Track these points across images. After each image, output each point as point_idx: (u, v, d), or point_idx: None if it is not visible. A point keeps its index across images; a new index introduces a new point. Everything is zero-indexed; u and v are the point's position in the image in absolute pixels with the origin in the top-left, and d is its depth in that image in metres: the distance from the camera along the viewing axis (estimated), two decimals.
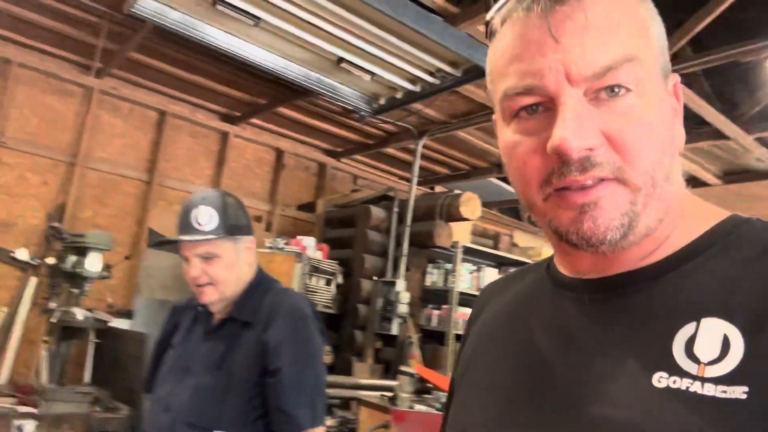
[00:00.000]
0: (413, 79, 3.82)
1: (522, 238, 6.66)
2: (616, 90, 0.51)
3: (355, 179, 6.31)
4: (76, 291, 3.11)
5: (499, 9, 0.56)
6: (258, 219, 5.43)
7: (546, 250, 5.52)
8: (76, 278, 3.11)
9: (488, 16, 0.57)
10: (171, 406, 1.45)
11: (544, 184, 0.53)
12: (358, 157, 6.05)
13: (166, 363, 1.58)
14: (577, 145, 0.49)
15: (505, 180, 5.70)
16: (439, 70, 3.66)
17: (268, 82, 4.50)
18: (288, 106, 4.88)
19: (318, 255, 4.32)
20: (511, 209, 7.51)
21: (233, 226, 1.51)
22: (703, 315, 0.49)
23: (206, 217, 1.49)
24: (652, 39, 0.54)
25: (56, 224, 3.05)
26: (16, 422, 2.61)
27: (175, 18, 3.26)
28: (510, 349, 0.64)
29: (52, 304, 3.06)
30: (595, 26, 0.50)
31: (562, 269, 0.63)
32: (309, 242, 4.26)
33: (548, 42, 0.51)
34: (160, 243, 1.69)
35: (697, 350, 0.48)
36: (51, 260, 3.12)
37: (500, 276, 0.85)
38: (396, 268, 4.72)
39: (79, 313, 3.00)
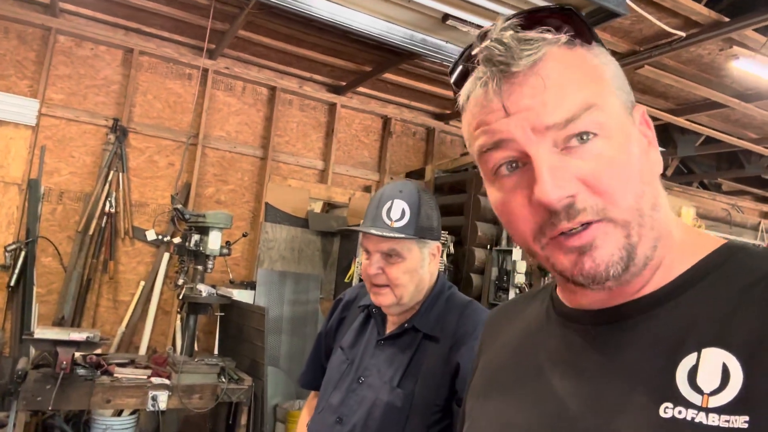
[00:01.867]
0: None
1: None
2: (584, 137, 0.54)
3: None
4: (200, 268, 3.27)
5: (462, 86, 0.61)
6: (367, 189, 5.40)
7: (684, 210, 4.94)
8: (200, 256, 3.26)
9: (456, 95, 0.62)
10: (345, 419, 1.36)
11: (538, 235, 0.56)
12: None
13: (335, 366, 1.47)
14: (557, 197, 0.53)
15: None
16: None
17: (372, 49, 4.37)
18: (393, 71, 4.73)
19: None
20: None
21: (424, 227, 1.37)
22: (703, 345, 0.51)
23: (398, 213, 1.36)
24: (608, 82, 0.57)
25: (179, 206, 3.19)
26: (151, 392, 2.82)
27: None
28: (521, 382, 0.66)
29: (180, 281, 3.24)
30: (551, 85, 0.54)
31: (565, 301, 0.65)
32: None
33: (509, 108, 0.55)
34: (347, 230, 1.59)
35: (700, 381, 0.50)
36: (176, 239, 3.29)
37: (504, 303, 0.86)
38: None
39: (204, 290, 3.15)
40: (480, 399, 0.72)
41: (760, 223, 6.28)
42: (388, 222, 1.34)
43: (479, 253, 4.49)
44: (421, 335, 1.35)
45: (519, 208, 0.57)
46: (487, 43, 0.56)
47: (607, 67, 0.58)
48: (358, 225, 1.44)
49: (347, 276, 4.32)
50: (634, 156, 0.56)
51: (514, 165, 0.56)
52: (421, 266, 1.37)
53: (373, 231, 1.33)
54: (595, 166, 0.54)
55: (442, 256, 4.34)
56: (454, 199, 5.02)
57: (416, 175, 5.65)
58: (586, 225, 0.54)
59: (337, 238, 4.88)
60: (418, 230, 1.35)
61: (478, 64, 0.57)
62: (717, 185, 7.71)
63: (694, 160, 6.97)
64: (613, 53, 3.37)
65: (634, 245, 0.54)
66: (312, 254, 4.81)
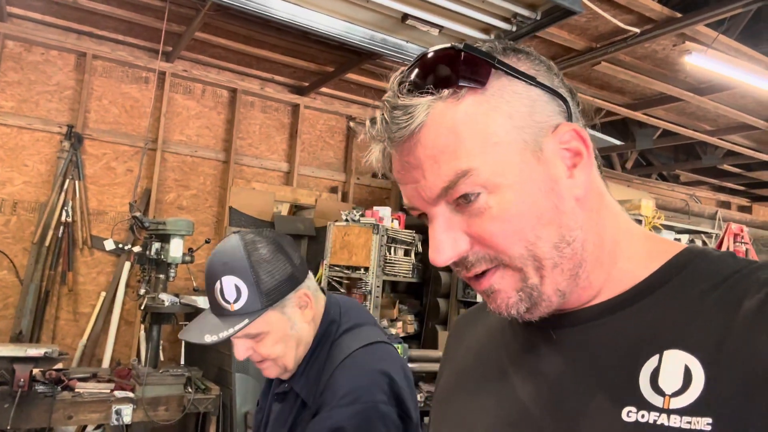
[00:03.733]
0: (486, 29, 3.49)
1: (614, 191, 6.12)
2: (468, 198, 0.55)
3: None
4: (162, 277, 3.19)
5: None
6: (334, 190, 5.37)
7: (644, 203, 5.05)
8: (161, 264, 3.18)
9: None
10: None
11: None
12: None
13: (255, 415, 1.39)
14: (444, 260, 0.56)
15: (593, 127, 5.27)
16: (516, 15, 3.32)
17: (334, 49, 4.34)
18: (356, 71, 4.71)
19: (395, 224, 4.18)
20: (603, 157, 6.95)
21: (272, 290, 1.15)
22: (665, 348, 0.51)
23: (232, 292, 1.13)
24: (494, 133, 0.55)
25: (137, 214, 3.11)
26: (115, 407, 2.74)
27: None
28: (484, 386, 0.66)
29: (142, 290, 3.16)
30: (427, 157, 0.55)
31: None
32: (385, 212, 4.12)
33: (404, 176, 0.58)
34: (193, 343, 1.25)
35: (662, 382, 0.50)
36: (137, 248, 3.20)
37: (469, 309, 0.85)
38: None
39: (167, 299, 3.08)
40: (444, 405, 0.72)
41: (717, 212, 6.49)
42: (227, 306, 1.14)
43: None
44: (301, 399, 1.20)
45: None
46: (370, 117, 0.59)
47: (496, 112, 0.55)
48: (203, 309, 1.25)
49: (315, 278, 4.28)
50: (528, 202, 0.55)
51: (427, 217, 0.60)
52: (291, 327, 1.19)
53: (207, 339, 1.13)
54: (481, 223, 0.55)
55: (410, 255, 4.35)
56: None
57: (382, 175, 5.64)
58: (484, 272, 0.57)
59: (305, 240, 4.83)
60: (266, 298, 1.15)
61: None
62: (675, 176, 7.94)
63: (653, 153, 7.15)
64: (570, 50, 3.41)
65: (534, 286, 0.56)
66: None
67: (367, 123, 0.59)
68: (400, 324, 4.32)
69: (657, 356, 0.51)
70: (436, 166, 0.55)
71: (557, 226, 0.56)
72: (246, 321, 1.13)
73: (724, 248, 3.96)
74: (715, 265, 0.55)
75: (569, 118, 0.59)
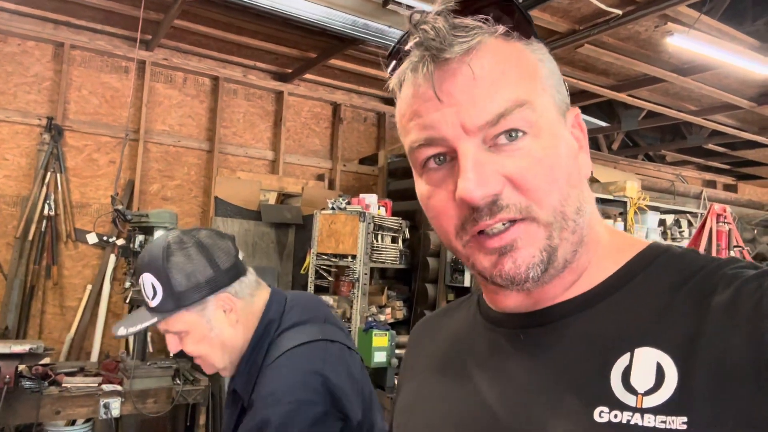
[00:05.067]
0: None
1: (601, 173, 6.17)
2: (513, 134, 0.52)
3: None
4: None
5: (395, 71, 0.58)
6: (320, 178, 5.34)
7: (629, 184, 5.08)
8: None
9: (388, 83, 0.59)
10: None
11: (460, 231, 0.55)
12: None
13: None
14: (480, 194, 0.51)
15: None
16: None
17: (316, 35, 4.29)
18: (339, 57, 4.66)
19: (382, 212, 4.18)
20: (589, 139, 6.95)
21: (184, 293, 1.15)
22: (636, 345, 0.50)
23: (150, 290, 1.17)
24: (543, 80, 0.55)
25: (119, 207, 3.08)
26: (103, 400, 2.74)
27: None
28: (449, 392, 0.64)
29: (127, 283, 3.14)
30: (483, 77, 0.52)
31: (492, 305, 0.63)
32: (372, 199, 4.11)
33: (441, 96, 0.53)
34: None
35: (634, 381, 0.49)
36: (121, 241, 3.18)
37: (429, 315, 0.82)
38: None
39: None
40: (407, 414, 0.70)
41: (702, 191, 6.54)
42: (148, 302, 1.19)
43: (434, 237, 4.52)
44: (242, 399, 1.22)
45: (443, 203, 0.55)
46: (420, 27, 0.53)
47: (543, 64, 0.56)
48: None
49: (303, 267, 4.28)
50: (562, 158, 0.54)
51: (442, 158, 0.55)
52: (210, 329, 1.18)
53: (120, 332, 1.19)
54: (522, 164, 0.52)
55: (397, 242, 4.35)
56: (408, 184, 5.03)
57: (369, 161, 5.63)
58: (508, 224, 0.53)
59: (292, 228, 4.82)
60: (178, 299, 1.16)
61: (411, 49, 0.55)
62: (661, 157, 7.98)
63: (639, 134, 7.17)
64: (554, 33, 3.39)
65: (554, 248, 0.54)
66: (267, 247, 4.74)
67: (424, 27, 0.52)
68: (389, 310, 4.34)
69: (628, 354, 0.50)
70: (493, 89, 0.52)
71: (579, 191, 0.55)
72: (154, 320, 1.17)
73: (707, 228, 3.99)
74: (681, 260, 0.55)
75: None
